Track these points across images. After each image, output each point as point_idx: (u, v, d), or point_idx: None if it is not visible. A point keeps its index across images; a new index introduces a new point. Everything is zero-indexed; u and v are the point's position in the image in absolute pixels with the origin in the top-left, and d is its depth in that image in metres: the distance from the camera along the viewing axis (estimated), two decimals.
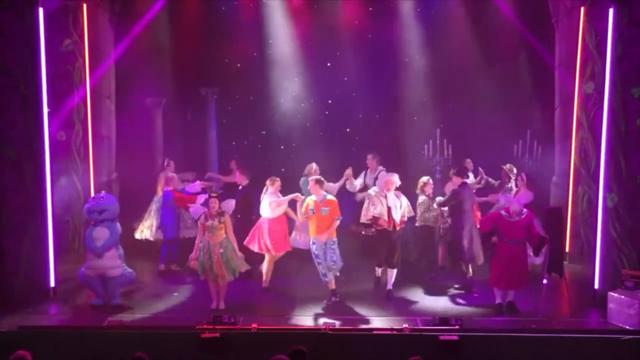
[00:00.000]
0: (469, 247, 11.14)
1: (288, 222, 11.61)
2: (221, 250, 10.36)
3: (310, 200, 10.78)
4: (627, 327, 9.65)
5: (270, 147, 15.24)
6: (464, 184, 11.47)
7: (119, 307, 10.38)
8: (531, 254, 10.64)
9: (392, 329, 9.31)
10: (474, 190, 12.00)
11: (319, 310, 10.49)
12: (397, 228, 10.90)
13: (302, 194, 11.40)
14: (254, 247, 11.32)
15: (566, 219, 12.28)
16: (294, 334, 9.17)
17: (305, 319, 10.18)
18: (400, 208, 10.91)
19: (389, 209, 10.81)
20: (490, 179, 12.51)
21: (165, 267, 12.20)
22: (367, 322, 10.03)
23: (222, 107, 15.62)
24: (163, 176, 12.58)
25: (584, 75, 12.28)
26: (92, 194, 12.29)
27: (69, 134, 12.61)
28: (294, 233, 11.88)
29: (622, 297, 9.87)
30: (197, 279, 10.95)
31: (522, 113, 14.20)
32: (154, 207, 12.59)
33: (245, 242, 11.29)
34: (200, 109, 15.51)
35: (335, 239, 10.75)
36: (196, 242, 10.57)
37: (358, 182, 12.61)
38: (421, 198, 11.82)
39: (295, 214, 11.31)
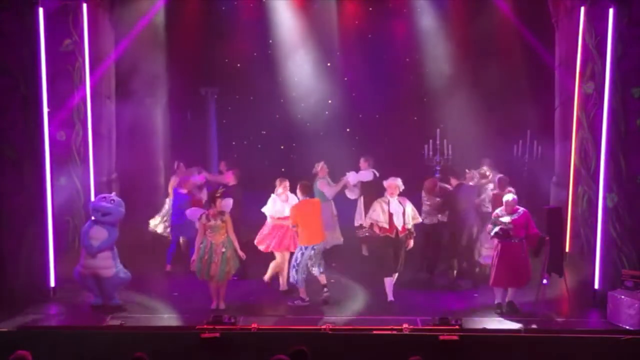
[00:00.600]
0: (467, 244, 11.23)
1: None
2: (223, 250, 10.35)
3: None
4: (627, 327, 9.65)
5: (270, 147, 15.25)
6: (460, 184, 11.65)
7: (119, 307, 10.37)
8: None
9: (392, 329, 9.29)
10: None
11: (318, 309, 10.48)
12: (400, 235, 10.64)
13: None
14: (270, 247, 11.28)
15: (566, 219, 12.28)
16: (294, 334, 9.14)
17: (305, 319, 10.16)
18: (403, 215, 10.65)
19: (390, 215, 10.57)
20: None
21: (172, 268, 12.19)
22: (367, 322, 10.02)
23: (222, 107, 15.63)
24: (175, 179, 12.62)
25: (584, 75, 12.28)
26: (92, 194, 12.29)
27: (69, 134, 12.59)
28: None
29: (622, 297, 9.87)
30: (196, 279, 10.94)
31: (522, 113, 14.20)
32: (166, 206, 12.71)
33: (257, 242, 11.32)
34: (200, 109, 15.51)
35: (300, 245, 10.70)
36: (196, 243, 10.53)
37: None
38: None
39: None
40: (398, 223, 10.59)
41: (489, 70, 14.23)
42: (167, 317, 10.18)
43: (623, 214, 10.47)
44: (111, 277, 10.41)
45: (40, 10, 10.63)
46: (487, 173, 12.28)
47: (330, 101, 15.31)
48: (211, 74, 15.12)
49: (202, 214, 10.56)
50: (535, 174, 13.60)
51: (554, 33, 13.43)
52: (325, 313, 10.34)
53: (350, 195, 12.74)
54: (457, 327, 9.28)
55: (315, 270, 10.67)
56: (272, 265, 11.35)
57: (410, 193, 11.59)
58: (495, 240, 10.33)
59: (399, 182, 10.76)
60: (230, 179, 12.06)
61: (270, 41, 14.85)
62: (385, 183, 10.83)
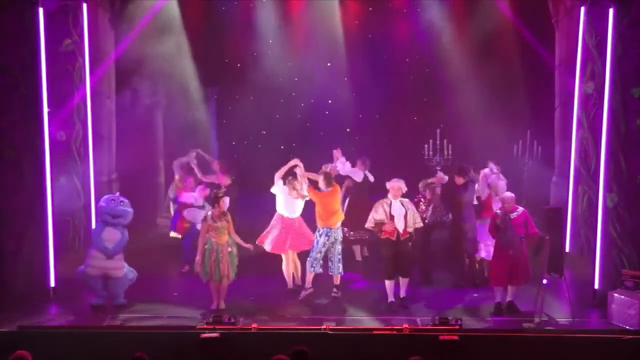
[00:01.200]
0: (471, 241, 11.23)
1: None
2: (229, 250, 10.35)
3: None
4: (627, 327, 9.65)
5: (270, 147, 15.24)
6: (466, 182, 11.57)
7: (120, 307, 10.37)
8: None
9: (392, 329, 9.31)
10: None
11: (318, 310, 10.49)
12: (402, 238, 10.55)
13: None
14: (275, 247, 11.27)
15: (566, 219, 12.28)
16: (294, 334, 9.16)
17: (305, 319, 10.16)
18: (405, 217, 10.54)
19: (391, 217, 10.48)
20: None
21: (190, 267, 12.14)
22: (367, 322, 10.02)
23: (222, 107, 15.62)
24: (173, 189, 12.65)
25: (584, 75, 12.27)
26: (93, 194, 12.28)
27: (69, 134, 12.59)
28: None
29: (622, 297, 9.87)
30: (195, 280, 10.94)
31: (522, 113, 14.20)
32: (172, 212, 12.74)
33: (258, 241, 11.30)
34: (201, 109, 15.50)
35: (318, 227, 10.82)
36: (199, 245, 10.43)
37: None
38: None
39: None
40: (399, 226, 10.50)
41: (489, 70, 14.24)
42: (167, 317, 10.17)
43: (623, 214, 10.48)
44: (121, 278, 10.48)
45: (40, 10, 10.64)
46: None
47: (330, 101, 15.31)
48: (211, 74, 15.12)
49: (206, 215, 10.52)
50: (535, 174, 13.59)
51: (554, 33, 13.44)
52: (325, 313, 10.34)
53: (356, 177, 12.57)
54: (457, 327, 9.28)
55: (333, 268, 10.73)
56: (284, 269, 11.27)
57: (411, 193, 11.61)
58: (495, 240, 10.34)
59: (402, 184, 10.64)
60: (222, 179, 12.03)
61: (270, 41, 14.84)
62: (388, 185, 10.71)
